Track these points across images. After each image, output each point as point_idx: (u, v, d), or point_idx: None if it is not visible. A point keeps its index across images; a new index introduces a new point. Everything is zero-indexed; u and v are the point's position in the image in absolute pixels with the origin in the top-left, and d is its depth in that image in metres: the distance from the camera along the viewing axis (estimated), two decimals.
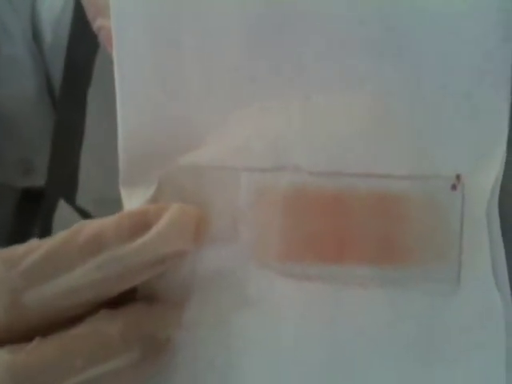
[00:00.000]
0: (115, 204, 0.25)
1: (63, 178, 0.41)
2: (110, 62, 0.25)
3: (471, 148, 0.22)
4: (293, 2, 0.23)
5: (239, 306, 0.24)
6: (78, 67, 0.40)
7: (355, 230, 0.23)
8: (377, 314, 0.23)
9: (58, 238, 0.21)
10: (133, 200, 0.24)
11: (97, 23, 0.29)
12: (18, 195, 0.48)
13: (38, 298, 0.20)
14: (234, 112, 0.24)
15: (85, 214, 0.39)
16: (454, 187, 0.22)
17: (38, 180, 0.45)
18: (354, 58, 0.23)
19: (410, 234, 0.23)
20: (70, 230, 0.21)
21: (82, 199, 0.40)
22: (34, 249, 0.21)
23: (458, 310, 0.23)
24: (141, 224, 0.22)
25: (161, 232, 0.21)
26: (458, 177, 0.22)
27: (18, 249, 0.21)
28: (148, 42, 0.24)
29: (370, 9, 0.23)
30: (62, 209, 0.40)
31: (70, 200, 0.40)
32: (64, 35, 0.42)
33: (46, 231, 0.40)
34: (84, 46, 0.39)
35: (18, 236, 0.46)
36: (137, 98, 0.24)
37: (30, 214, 0.46)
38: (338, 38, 0.23)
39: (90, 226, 0.21)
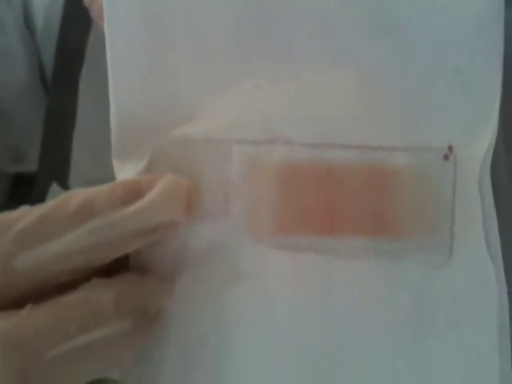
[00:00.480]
0: None
1: (55, 163, 0.41)
2: (103, 45, 0.25)
3: (463, 120, 0.23)
4: None
5: (232, 281, 0.24)
6: (70, 50, 0.40)
7: (348, 203, 0.23)
8: (370, 286, 0.23)
9: (49, 204, 0.21)
10: (125, 172, 0.24)
11: None
12: (10, 181, 0.48)
13: (30, 262, 0.21)
14: (225, 89, 0.24)
15: None
16: (446, 158, 0.23)
17: (30, 166, 0.45)
18: (344, 35, 0.23)
19: (403, 206, 0.23)
20: (61, 197, 0.21)
21: (74, 184, 0.40)
22: (25, 214, 0.21)
23: (451, 281, 0.23)
24: (133, 192, 0.22)
25: (153, 200, 0.22)
26: (450, 148, 0.23)
27: (9, 214, 0.21)
28: (139, 19, 0.24)
29: None
30: (54, 191, 0.40)
31: (63, 183, 0.40)
32: (56, 21, 0.42)
33: None
34: (76, 29, 0.39)
35: None
36: (128, 73, 0.24)
37: (22, 199, 0.46)
38: (329, 16, 0.23)
39: (81, 193, 0.21)
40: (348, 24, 0.23)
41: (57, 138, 0.42)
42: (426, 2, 0.23)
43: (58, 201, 0.21)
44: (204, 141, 0.24)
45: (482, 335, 0.23)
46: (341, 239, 0.23)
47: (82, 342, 0.21)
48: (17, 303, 0.20)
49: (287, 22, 0.23)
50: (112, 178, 0.25)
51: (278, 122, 0.24)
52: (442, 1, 0.23)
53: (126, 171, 0.24)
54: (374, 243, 0.23)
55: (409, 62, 0.23)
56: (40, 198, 0.41)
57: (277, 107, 0.24)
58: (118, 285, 0.22)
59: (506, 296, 0.23)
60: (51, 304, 0.21)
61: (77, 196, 0.21)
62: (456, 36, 0.22)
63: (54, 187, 0.40)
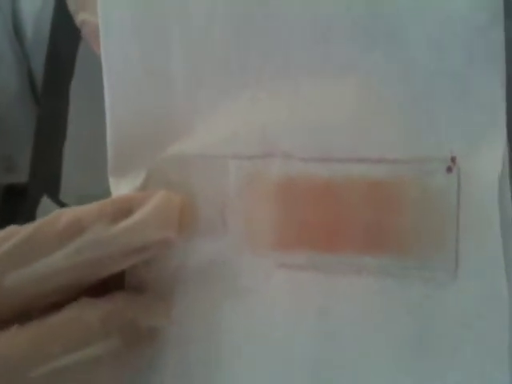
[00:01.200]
0: (98, 200, 0.24)
1: (46, 174, 0.41)
2: (93, 55, 0.24)
3: (466, 129, 0.22)
4: None
5: (231, 300, 0.23)
6: (60, 60, 0.40)
7: (348, 218, 0.22)
8: (371, 305, 0.23)
9: (37, 223, 0.21)
10: (120, 189, 0.24)
11: (79, 17, 0.29)
12: (1, 192, 0.47)
13: (18, 282, 0.20)
14: (222, 102, 0.23)
15: None
16: (449, 169, 0.22)
17: (21, 177, 0.44)
18: (342, 45, 0.22)
19: (405, 220, 0.22)
20: (50, 215, 0.21)
21: (65, 195, 0.40)
22: (13, 234, 0.20)
23: (456, 301, 0.22)
24: (123, 210, 0.21)
25: (143, 218, 0.21)
26: (453, 159, 0.22)
27: None
28: (135, 32, 0.24)
29: None
30: (45, 205, 0.40)
31: (54, 196, 0.40)
32: (46, 29, 0.41)
33: None
34: (66, 38, 0.39)
35: None
36: (124, 87, 0.24)
37: (13, 211, 0.45)
38: (325, 25, 0.23)
39: (70, 212, 0.21)
40: (346, 34, 0.22)
41: (47, 150, 0.41)
42: (422, 7, 0.22)
43: (47, 219, 0.21)
44: (200, 157, 0.23)
45: (491, 359, 0.22)
46: (341, 256, 0.23)
47: (68, 362, 0.20)
48: (4, 322, 0.20)
49: (286, 35, 0.23)
50: (104, 191, 0.25)
51: (276, 136, 0.23)
52: (438, 4, 0.22)
53: (121, 188, 0.24)
54: (374, 260, 0.22)
55: (408, 70, 0.22)
56: (31, 210, 0.40)
57: (274, 120, 0.23)
58: (107, 304, 0.21)
59: None
60: (37, 324, 0.20)
61: (65, 214, 0.21)
62: (454, 40, 0.22)
63: (45, 200, 0.40)
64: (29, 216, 0.40)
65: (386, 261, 0.22)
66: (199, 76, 0.23)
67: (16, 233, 0.21)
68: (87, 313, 0.21)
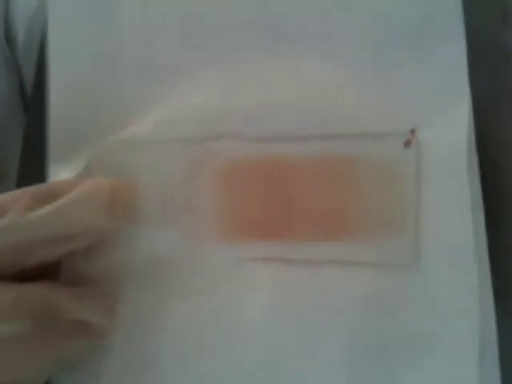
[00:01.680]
0: None
1: (33, 182, 0.40)
2: None
3: (426, 98, 0.20)
4: None
5: (178, 296, 0.22)
6: None
7: (300, 201, 0.21)
8: (326, 296, 0.21)
9: None
10: (59, 177, 0.23)
11: None
12: None
13: None
14: (167, 85, 0.23)
15: None
16: (407, 144, 0.20)
17: (10, 186, 0.43)
18: (296, 14, 0.21)
19: (362, 202, 0.21)
20: None
21: None
22: None
23: (420, 287, 0.20)
24: (47, 195, 0.20)
25: (66, 203, 0.20)
26: (412, 132, 0.20)
27: None
28: (82, 17, 0.23)
29: None
30: None
31: None
32: (37, 37, 0.41)
33: None
34: None
35: None
36: (68, 74, 0.23)
37: None
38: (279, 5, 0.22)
39: None
40: (299, 8, 0.21)
41: (35, 159, 0.41)
42: None
43: None
44: (146, 141, 0.22)
45: (459, 353, 0.20)
46: (294, 244, 0.21)
47: None
48: None
49: (233, 8, 0.22)
50: None
51: (223, 116, 0.22)
52: None
53: (60, 176, 0.23)
54: (330, 248, 0.21)
55: (366, 40, 0.21)
56: None
57: (222, 102, 0.22)
58: (23, 287, 0.21)
59: (491, 303, 0.20)
60: None
61: None
62: (410, 7, 0.21)
63: None
64: None
65: (342, 248, 0.21)
66: (147, 59, 0.23)
67: None
68: (1, 292, 0.20)
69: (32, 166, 0.41)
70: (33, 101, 0.42)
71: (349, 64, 0.21)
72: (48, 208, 0.20)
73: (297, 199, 0.21)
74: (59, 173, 0.23)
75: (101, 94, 0.23)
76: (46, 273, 0.22)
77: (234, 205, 0.22)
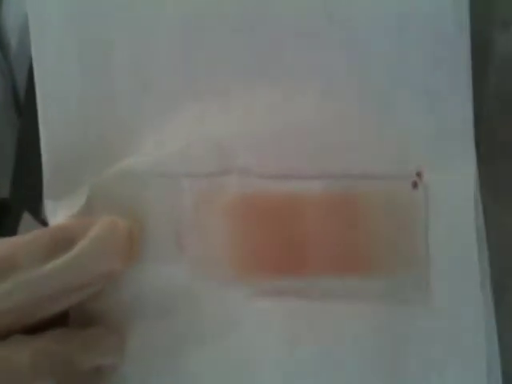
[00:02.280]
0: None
1: (28, 190, 0.40)
2: None
3: (432, 142, 0.21)
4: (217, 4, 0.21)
5: (188, 334, 0.22)
6: None
7: (312, 237, 0.21)
8: (340, 330, 0.21)
9: None
10: (58, 214, 0.22)
11: None
12: None
13: None
14: (172, 113, 0.22)
15: None
16: (415, 185, 0.21)
17: (3, 192, 0.43)
18: (297, 53, 0.21)
19: (372, 240, 0.21)
20: None
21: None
22: None
23: (430, 321, 0.21)
24: (63, 241, 0.19)
25: (82, 252, 0.19)
26: (418, 174, 0.21)
27: None
28: (71, 43, 0.22)
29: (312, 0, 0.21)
30: (26, 221, 0.39)
31: (35, 212, 0.39)
32: (30, 42, 0.41)
33: None
34: None
35: None
36: (60, 103, 0.22)
37: None
38: (278, 32, 0.21)
39: (3, 245, 0.19)
40: (300, 40, 0.21)
41: (28, 165, 0.40)
42: (383, 12, 0.21)
43: None
44: (150, 174, 0.21)
45: (469, 378, 0.21)
46: (306, 279, 0.21)
47: None
48: None
49: (238, 39, 0.21)
50: None
51: (232, 152, 0.21)
52: (400, 10, 0.20)
53: (59, 214, 0.22)
54: (341, 283, 0.21)
55: (369, 80, 0.21)
56: (13, 226, 0.39)
57: (229, 135, 0.21)
58: (39, 341, 0.19)
59: (495, 335, 0.21)
60: None
61: None
62: (419, 47, 0.20)
63: (26, 216, 0.39)
64: (10, 233, 0.39)
65: (352, 283, 0.21)
66: (145, 86, 0.22)
67: None
68: (17, 353, 0.19)
69: (25, 172, 0.41)
70: (26, 105, 0.42)
71: (354, 104, 0.21)
72: (65, 258, 0.19)
73: (307, 235, 0.21)
74: (57, 211, 0.22)
75: (98, 124, 0.21)
76: (54, 317, 0.21)
77: (245, 240, 0.21)
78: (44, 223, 0.39)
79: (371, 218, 0.21)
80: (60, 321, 0.21)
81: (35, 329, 0.20)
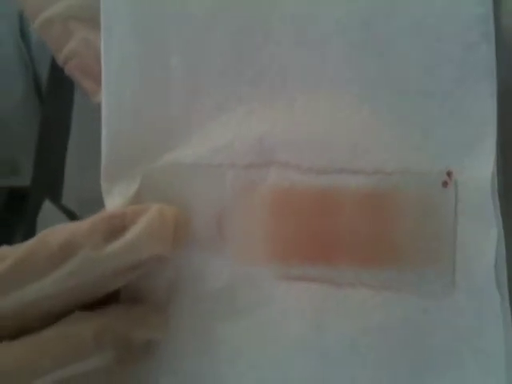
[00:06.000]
0: (101, 205, 0.24)
1: (49, 178, 0.41)
2: None
3: (460, 144, 0.22)
4: (274, 10, 0.23)
5: (228, 313, 0.23)
6: None
7: (344, 229, 0.22)
8: (366, 318, 0.22)
9: (27, 245, 0.20)
10: (115, 196, 0.23)
11: (63, 53, 0.28)
12: (5, 195, 0.47)
13: (8, 307, 0.20)
14: (218, 114, 0.23)
15: (70, 214, 0.39)
16: (445, 184, 0.22)
17: (25, 180, 0.44)
18: (337, 62, 0.23)
19: (402, 233, 0.22)
20: (38, 237, 0.20)
21: (67, 199, 0.40)
22: (3, 258, 0.20)
23: (453, 314, 0.22)
24: (116, 227, 0.21)
25: (136, 237, 0.21)
26: (448, 173, 0.22)
27: None
28: (135, 44, 0.24)
29: (349, 12, 0.22)
30: (47, 208, 0.40)
31: (56, 199, 0.40)
32: None
33: (30, 231, 0.39)
34: None
35: (4, 236, 0.45)
36: (122, 95, 0.24)
37: (16, 214, 0.45)
38: (321, 43, 0.23)
39: (60, 232, 0.20)
40: (341, 52, 0.23)
41: (50, 154, 0.41)
42: (413, 27, 0.22)
43: (36, 241, 0.20)
44: (195, 166, 0.23)
45: (488, 371, 0.22)
46: (336, 268, 0.22)
47: (61, 376, 0.20)
48: None
49: (281, 49, 0.23)
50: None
51: (272, 147, 0.23)
52: (429, 23, 0.22)
53: (114, 195, 0.24)
54: (371, 273, 0.22)
55: (401, 87, 0.22)
56: (33, 214, 0.40)
57: (271, 132, 0.23)
58: (100, 318, 0.21)
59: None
60: (30, 338, 0.20)
61: (55, 235, 0.20)
62: (446, 56, 0.22)
63: (47, 204, 0.40)
64: (30, 219, 0.40)
65: (382, 274, 0.22)
66: (196, 88, 0.23)
67: (5, 257, 0.20)
68: (80, 327, 0.21)
69: (47, 162, 0.42)
70: (48, 95, 0.43)
71: (387, 107, 0.22)
72: (121, 242, 0.21)
73: (339, 227, 0.22)
74: (112, 193, 0.24)
75: (152, 119, 0.24)
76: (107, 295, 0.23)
77: (280, 229, 0.23)
78: (64, 210, 0.40)
79: (401, 214, 0.22)
80: (111, 297, 0.22)
81: (90, 305, 0.22)
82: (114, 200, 0.23)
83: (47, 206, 0.40)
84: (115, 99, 0.24)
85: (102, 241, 0.20)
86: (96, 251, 0.20)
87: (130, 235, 0.21)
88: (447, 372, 0.22)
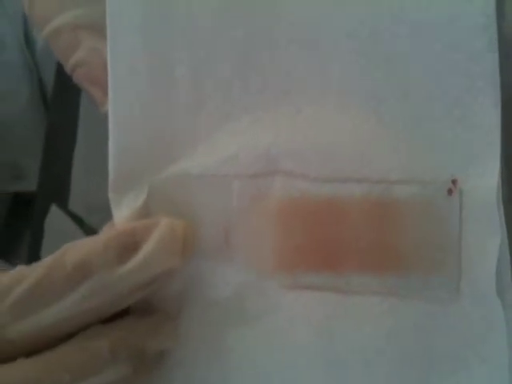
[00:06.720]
0: (107, 210, 0.24)
1: (55, 183, 0.41)
2: None
3: (465, 152, 0.22)
4: (280, 18, 0.23)
5: (236, 322, 0.23)
6: None
7: (350, 237, 0.22)
8: (374, 325, 0.23)
9: (44, 265, 0.20)
10: (122, 208, 0.24)
11: (70, 62, 0.28)
12: (10, 200, 0.47)
13: (25, 331, 0.20)
14: (224, 124, 0.23)
15: (77, 219, 0.39)
16: (450, 192, 0.22)
17: (30, 185, 0.44)
18: (342, 70, 0.23)
19: (408, 241, 0.22)
20: (55, 256, 0.21)
21: (74, 204, 0.40)
22: (20, 279, 0.20)
23: (458, 319, 0.22)
24: (129, 245, 0.21)
25: (149, 255, 0.21)
26: (453, 182, 0.22)
27: (4, 279, 0.20)
28: (140, 55, 0.24)
29: (356, 21, 0.23)
30: (54, 213, 0.40)
31: (62, 204, 0.40)
32: None
33: (37, 236, 0.39)
34: None
35: (9, 241, 0.45)
36: (128, 107, 0.24)
37: (22, 219, 0.45)
38: (327, 51, 0.23)
39: (75, 251, 0.21)
40: (346, 59, 0.23)
41: (57, 158, 0.41)
42: (420, 35, 0.22)
43: (52, 261, 0.21)
44: (201, 176, 0.23)
45: (493, 375, 0.22)
46: (343, 276, 0.23)
47: None
48: (11, 357, 0.20)
49: (286, 57, 0.23)
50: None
51: (278, 156, 0.23)
52: (436, 32, 0.22)
53: (123, 207, 0.24)
54: (377, 280, 0.22)
55: (407, 95, 0.23)
56: (39, 219, 0.40)
57: (276, 141, 0.23)
58: (115, 330, 0.21)
59: None
60: (45, 354, 0.20)
61: (70, 255, 0.21)
62: (451, 65, 0.22)
63: (54, 209, 0.40)
64: (37, 224, 0.40)
65: (388, 280, 0.22)
66: (202, 98, 0.24)
67: (22, 279, 0.20)
68: (95, 342, 0.21)
69: (53, 166, 0.42)
70: (53, 100, 0.43)
71: (392, 115, 0.23)
72: (134, 262, 0.21)
73: (346, 235, 0.23)
74: (121, 204, 0.24)
75: (159, 130, 0.24)
76: None
77: (287, 238, 0.23)
78: (71, 215, 0.40)
79: (407, 222, 0.22)
80: (122, 308, 0.23)
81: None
82: (122, 212, 0.23)
83: (54, 211, 0.40)
84: (122, 110, 0.24)
85: (115, 260, 0.21)
86: (110, 273, 0.21)
87: (142, 254, 0.21)
88: (453, 377, 0.22)
